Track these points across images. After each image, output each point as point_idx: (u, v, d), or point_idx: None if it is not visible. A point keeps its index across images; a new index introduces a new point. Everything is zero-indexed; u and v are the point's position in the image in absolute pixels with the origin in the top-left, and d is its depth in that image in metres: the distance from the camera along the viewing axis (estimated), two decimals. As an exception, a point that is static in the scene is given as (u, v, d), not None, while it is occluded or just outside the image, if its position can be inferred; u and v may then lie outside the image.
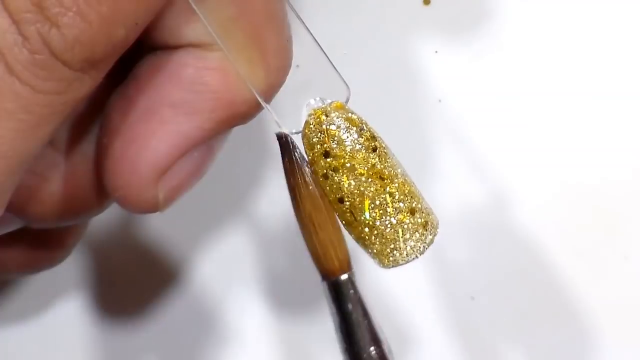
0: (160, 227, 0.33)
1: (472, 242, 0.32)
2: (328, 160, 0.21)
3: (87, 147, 0.23)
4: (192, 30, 0.21)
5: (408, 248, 0.22)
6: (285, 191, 0.32)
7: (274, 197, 0.33)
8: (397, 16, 0.34)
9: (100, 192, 0.23)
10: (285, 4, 0.21)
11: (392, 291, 0.32)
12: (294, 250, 0.33)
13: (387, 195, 0.21)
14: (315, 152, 0.21)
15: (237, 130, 0.22)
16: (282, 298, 0.33)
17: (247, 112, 0.21)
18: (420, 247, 0.22)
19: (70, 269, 0.33)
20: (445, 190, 0.33)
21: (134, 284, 0.33)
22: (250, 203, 0.33)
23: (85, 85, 0.19)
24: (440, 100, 0.33)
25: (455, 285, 0.32)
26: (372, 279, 0.32)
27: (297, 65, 0.25)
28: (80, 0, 0.18)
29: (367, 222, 0.21)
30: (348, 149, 0.21)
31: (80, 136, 0.23)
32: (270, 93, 0.21)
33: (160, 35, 0.21)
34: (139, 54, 0.21)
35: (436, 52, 0.34)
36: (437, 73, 0.34)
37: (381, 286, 0.32)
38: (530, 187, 0.33)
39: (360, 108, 0.33)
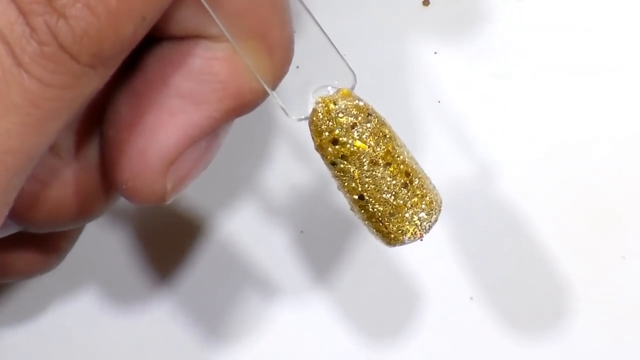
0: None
1: (471, 242, 0.33)
2: (337, 147, 0.21)
3: (88, 151, 0.23)
4: (200, 21, 0.21)
5: (414, 226, 0.22)
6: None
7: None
8: (397, 17, 0.34)
9: (101, 196, 0.23)
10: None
11: (392, 291, 0.32)
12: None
13: (398, 178, 0.22)
14: (324, 139, 0.21)
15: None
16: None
17: (254, 101, 0.22)
18: (426, 226, 0.22)
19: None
20: (445, 189, 0.33)
21: (135, 276, 0.33)
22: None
23: (94, 81, 0.19)
24: (439, 101, 0.34)
25: (454, 285, 0.32)
26: (371, 279, 0.33)
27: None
28: None
29: (381, 204, 0.22)
30: (356, 135, 0.21)
31: (81, 139, 0.23)
32: (275, 82, 0.22)
33: (168, 26, 0.21)
34: (145, 47, 0.21)
35: (435, 53, 0.34)
36: (437, 74, 0.34)
37: (380, 286, 0.32)
38: (530, 187, 0.33)
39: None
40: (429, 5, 0.34)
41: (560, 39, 0.34)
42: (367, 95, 0.33)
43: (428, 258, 0.32)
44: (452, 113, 0.33)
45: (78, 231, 0.28)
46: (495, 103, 0.33)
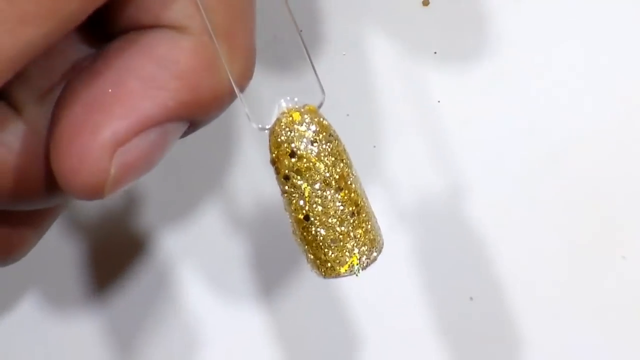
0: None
1: (472, 242, 0.33)
2: (293, 160, 0.21)
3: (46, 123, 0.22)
4: (169, 10, 0.21)
5: (354, 258, 0.22)
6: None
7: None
8: (397, 17, 0.34)
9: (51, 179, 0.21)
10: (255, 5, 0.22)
11: (391, 292, 0.32)
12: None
13: (347, 206, 0.21)
14: (281, 151, 0.21)
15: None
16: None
17: (210, 102, 0.21)
18: (364, 262, 0.22)
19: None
20: (446, 189, 0.33)
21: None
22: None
23: (74, 3, 0.18)
24: (439, 101, 0.34)
25: (454, 286, 0.32)
26: (369, 279, 0.32)
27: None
28: None
29: (326, 228, 0.21)
30: (315, 151, 0.21)
31: (43, 108, 0.22)
32: (237, 84, 0.21)
33: (135, 13, 0.21)
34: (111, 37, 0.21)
35: (435, 53, 0.34)
36: (436, 74, 0.34)
37: (379, 287, 0.32)
38: (530, 186, 0.33)
39: (359, 108, 0.34)
40: (429, 5, 0.34)
41: (559, 39, 0.34)
42: (366, 95, 0.34)
43: (428, 258, 0.32)
44: (452, 113, 0.33)
45: (48, 219, 0.27)
46: (495, 103, 0.33)
